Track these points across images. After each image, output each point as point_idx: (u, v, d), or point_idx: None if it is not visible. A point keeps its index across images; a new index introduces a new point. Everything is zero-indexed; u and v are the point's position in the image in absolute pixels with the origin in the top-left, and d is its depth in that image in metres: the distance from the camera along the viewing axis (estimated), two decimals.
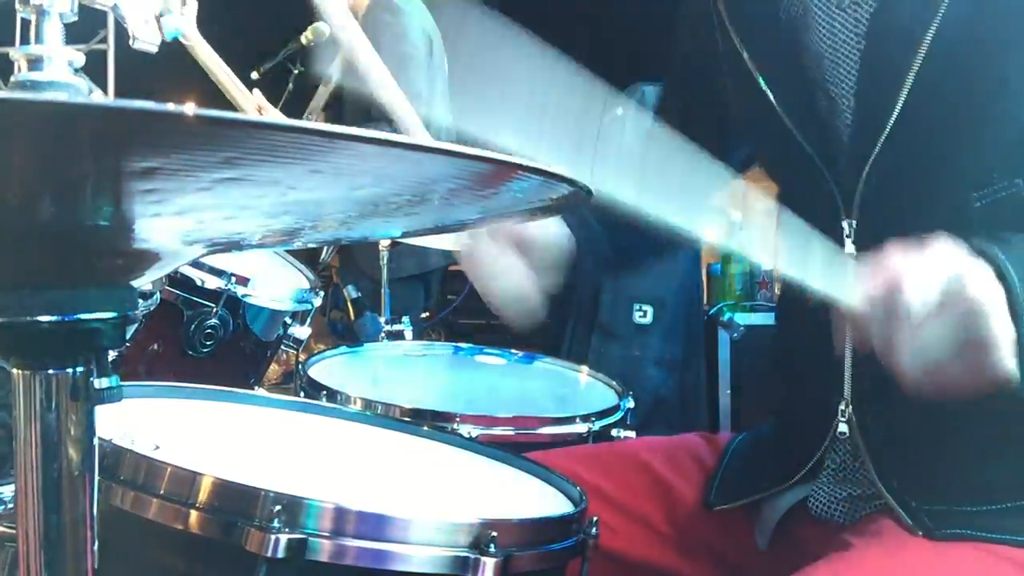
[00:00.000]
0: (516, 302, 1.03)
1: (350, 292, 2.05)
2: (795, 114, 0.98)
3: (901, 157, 0.92)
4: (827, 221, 0.97)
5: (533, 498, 0.94)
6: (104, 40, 5.26)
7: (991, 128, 0.88)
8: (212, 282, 1.65)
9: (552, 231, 1.08)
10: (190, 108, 0.30)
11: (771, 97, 0.98)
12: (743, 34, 1.01)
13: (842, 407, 0.96)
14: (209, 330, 1.63)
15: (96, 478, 0.56)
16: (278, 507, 0.67)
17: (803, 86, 0.98)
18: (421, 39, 2.94)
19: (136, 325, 1.57)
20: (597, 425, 1.49)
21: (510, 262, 1.03)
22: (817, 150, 0.97)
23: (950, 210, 0.89)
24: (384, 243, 2.46)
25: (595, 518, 0.84)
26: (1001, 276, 0.77)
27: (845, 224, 0.96)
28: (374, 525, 0.69)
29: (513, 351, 1.98)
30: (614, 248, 1.16)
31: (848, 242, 0.96)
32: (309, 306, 1.92)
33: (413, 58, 2.88)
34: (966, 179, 0.89)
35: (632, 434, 1.56)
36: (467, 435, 1.22)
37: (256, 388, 1.83)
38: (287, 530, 0.67)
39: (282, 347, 1.91)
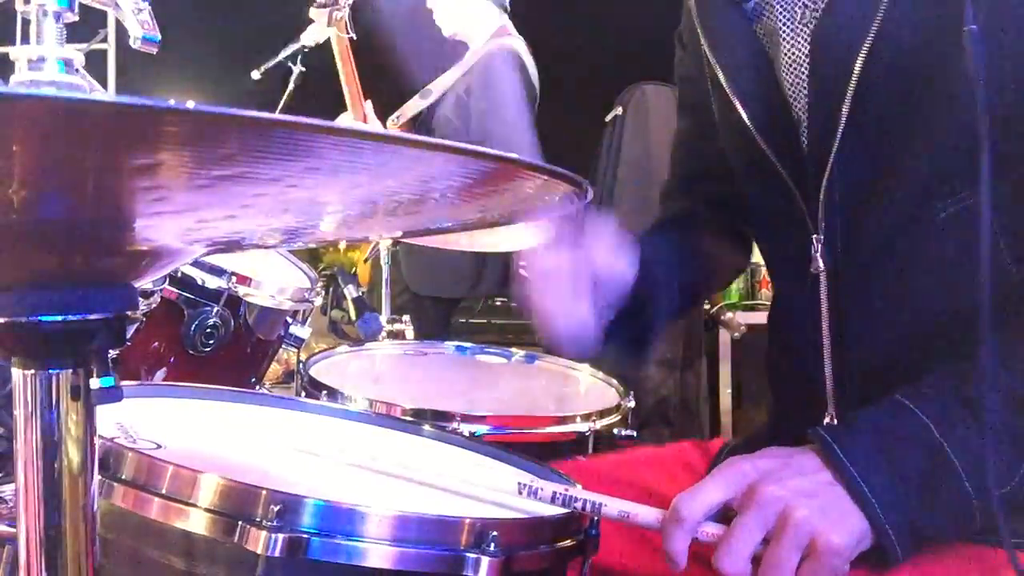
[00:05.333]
0: (574, 340, 1.04)
1: (351, 291, 2.05)
2: (766, 131, 0.99)
3: (855, 168, 0.92)
4: (797, 237, 0.98)
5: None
6: (104, 40, 5.27)
7: (940, 136, 0.87)
8: (213, 281, 1.65)
9: (621, 270, 1.06)
10: (190, 104, 0.30)
11: (743, 115, 0.99)
12: (717, 52, 1.02)
13: (827, 420, 0.97)
14: (210, 329, 1.64)
15: (96, 477, 0.56)
16: (278, 506, 0.67)
17: (772, 102, 0.99)
18: (529, 94, 3.13)
19: (137, 324, 1.57)
20: (598, 424, 1.49)
21: (574, 303, 1.03)
22: (786, 166, 0.98)
23: (914, 222, 0.89)
24: (386, 244, 2.47)
25: (595, 518, 0.84)
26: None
27: (814, 239, 0.96)
28: (374, 524, 0.69)
29: (514, 351, 1.98)
30: (681, 285, 1.17)
31: (817, 258, 0.96)
32: (309, 305, 1.92)
33: (517, 108, 3.07)
34: (926, 189, 0.88)
35: (633, 434, 1.56)
36: (467, 435, 1.22)
37: (257, 387, 1.83)
38: (287, 529, 0.67)
39: (283, 346, 1.91)
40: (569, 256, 1.03)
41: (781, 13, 0.96)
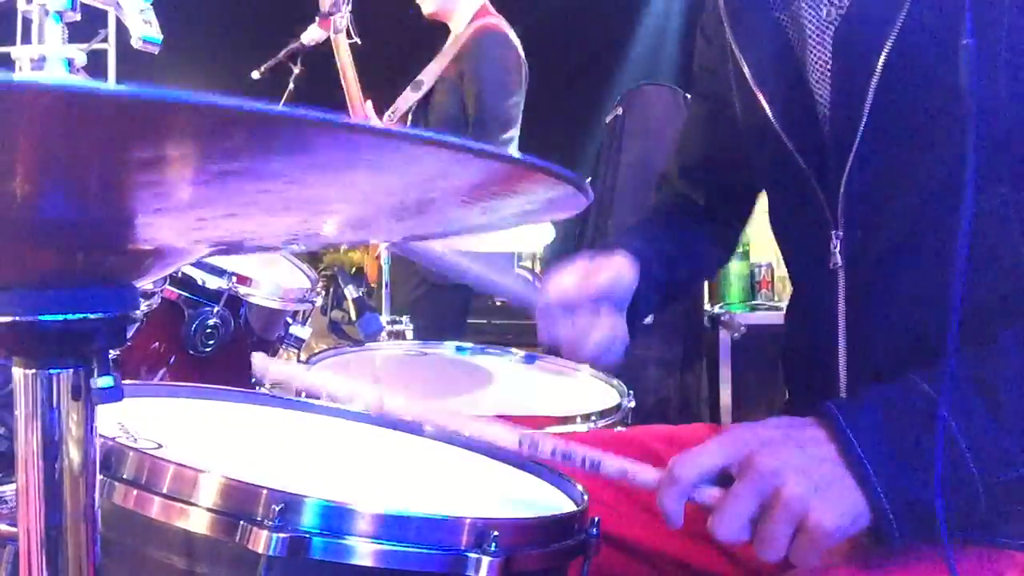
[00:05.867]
0: (609, 352, 1.09)
1: (351, 292, 2.05)
2: (789, 126, 0.99)
3: (876, 166, 0.93)
4: (816, 233, 0.98)
5: (534, 497, 0.94)
6: (105, 40, 5.27)
7: (961, 135, 0.87)
8: (213, 282, 1.66)
9: (626, 276, 1.11)
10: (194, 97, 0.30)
11: (767, 108, 0.99)
12: (742, 43, 1.03)
13: None
14: (210, 329, 1.64)
15: (97, 477, 0.56)
16: (279, 506, 0.67)
17: (796, 96, 0.99)
18: (520, 72, 3.13)
19: (137, 324, 1.57)
20: (598, 425, 1.49)
21: (598, 323, 1.07)
22: (807, 160, 0.98)
23: (934, 220, 0.89)
24: (385, 245, 2.47)
25: (596, 518, 0.83)
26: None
27: (833, 235, 0.96)
28: (375, 524, 0.69)
29: (514, 351, 1.98)
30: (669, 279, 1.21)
31: (836, 253, 0.96)
32: (310, 305, 1.92)
33: (511, 87, 3.09)
34: (946, 188, 0.88)
35: None
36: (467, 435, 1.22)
37: (257, 387, 1.83)
38: (289, 529, 0.67)
39: (283, 346, 1.91)
40: (578, 285, 1.07)
41: (807, 10, 0.97)
